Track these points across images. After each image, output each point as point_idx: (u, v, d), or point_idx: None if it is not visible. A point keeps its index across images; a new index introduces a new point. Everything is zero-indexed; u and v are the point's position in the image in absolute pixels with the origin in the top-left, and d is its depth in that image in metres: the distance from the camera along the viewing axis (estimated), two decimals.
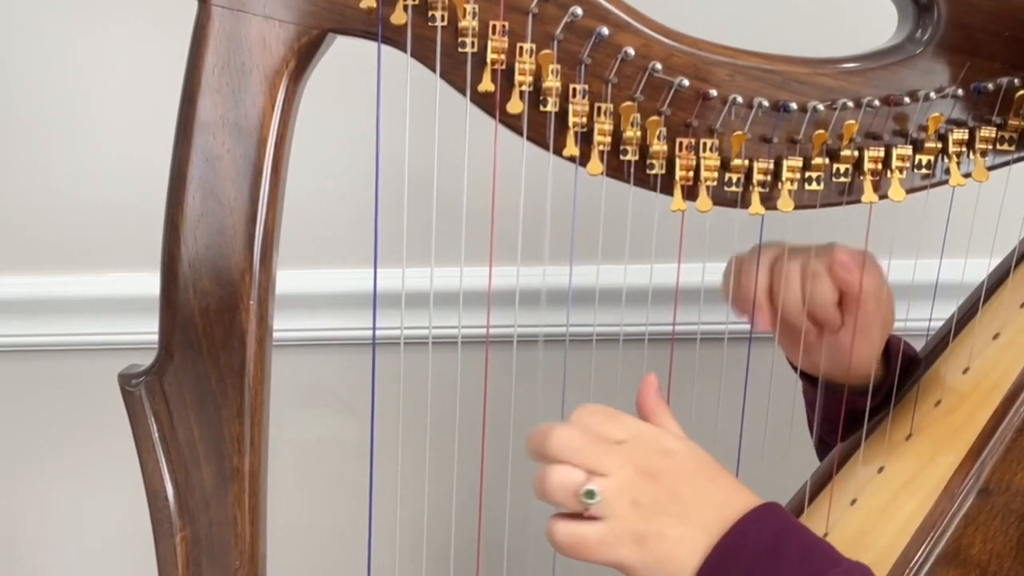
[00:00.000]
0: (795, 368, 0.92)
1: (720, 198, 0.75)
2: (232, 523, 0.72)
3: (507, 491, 0.91)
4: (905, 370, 0.87)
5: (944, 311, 0.92)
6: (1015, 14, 0.76)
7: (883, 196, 0.77)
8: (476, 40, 0.71)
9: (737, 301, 0.86)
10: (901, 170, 0.76)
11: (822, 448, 0.95)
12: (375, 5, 0.69)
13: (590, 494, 0.68)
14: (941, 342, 0.89)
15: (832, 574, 0.67)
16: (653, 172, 0.74)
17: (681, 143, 0.74)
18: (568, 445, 0.69)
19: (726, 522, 0.68)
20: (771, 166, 0.75)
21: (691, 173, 0.75)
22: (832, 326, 0.85)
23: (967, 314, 0.89)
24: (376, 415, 0.81)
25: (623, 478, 0.69)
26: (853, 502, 0.83)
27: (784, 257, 0.84)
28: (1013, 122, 0.78)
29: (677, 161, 0.74)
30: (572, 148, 0.73)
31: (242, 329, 0.70)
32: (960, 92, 0.77)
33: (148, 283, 0.77)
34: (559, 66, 0.72)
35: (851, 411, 0.86)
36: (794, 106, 0.74)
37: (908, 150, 0.76)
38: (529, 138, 0.73)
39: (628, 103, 0.73)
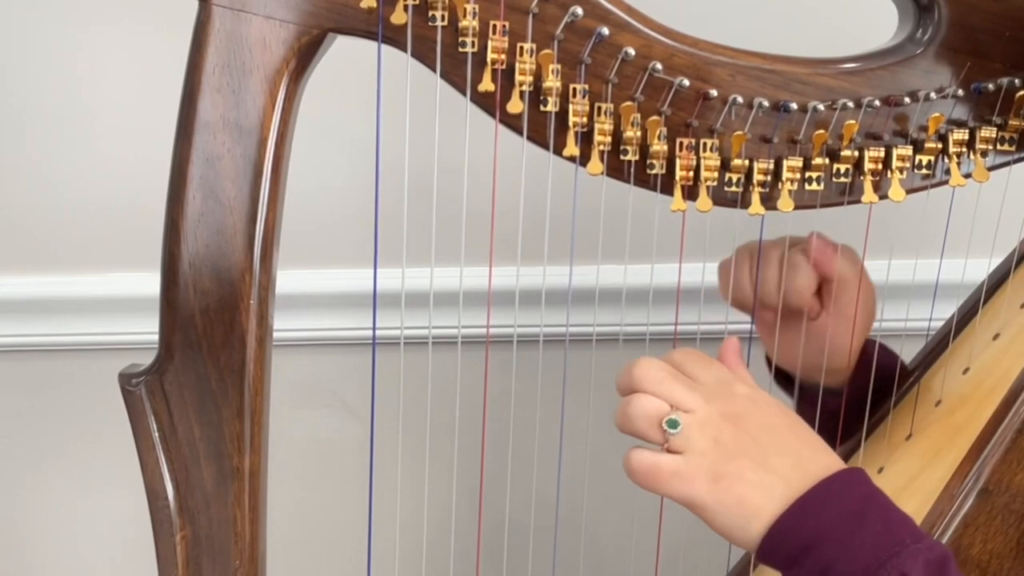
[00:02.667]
0: (770, 366, 0.93)
1: (720, 198, 0.75)
2: (232, 522, 0.72)
3: (507, 491, 0.91)
4: (881, 371, 0.88)
5: (944, 311, 0.92)
6: (1016, 14, 0.76)
7: (883, 196, 0.77)
8: (476, 40, 0.71)
9: (735, 297, 0.87)
10: (901, 170, 0.76)
11: None
12: (375, 5, 0.69)
13: (672, 423, 0.68)
14: (941, 342, 0.89)
15: (912, 548, 0.67)
16: (653, 172, 0.74)
17: (681, 143, 0.74)
18: (653, 377, 0.69)
19: (807, 476, 0.68)
20: (771, 166, 0.75)
21: (691, 173, 0.75)
22: (810, 314, 0.86)
23: (967, 314, 0.89)
24: (376, 415, 0.81)
25: (706, 414, 0.69)
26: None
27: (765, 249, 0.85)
28: (1013, 122, 0.77)
29: (677, 161, 0.74)
30: (572, 148, 0.73)
31: (242, 329, 0.70)
32: (960, 92, 0.77)
33: (148, 283, 0.77)
34: (559, 66, 0.72)
35: (825, 412, 0.86)
36: (794, 106, 0.74)
37: (908, 150, 0.76)
38: (529, 138, 0.73)
39: (628, 103, 0.73)
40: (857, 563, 0.66)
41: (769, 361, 0.94)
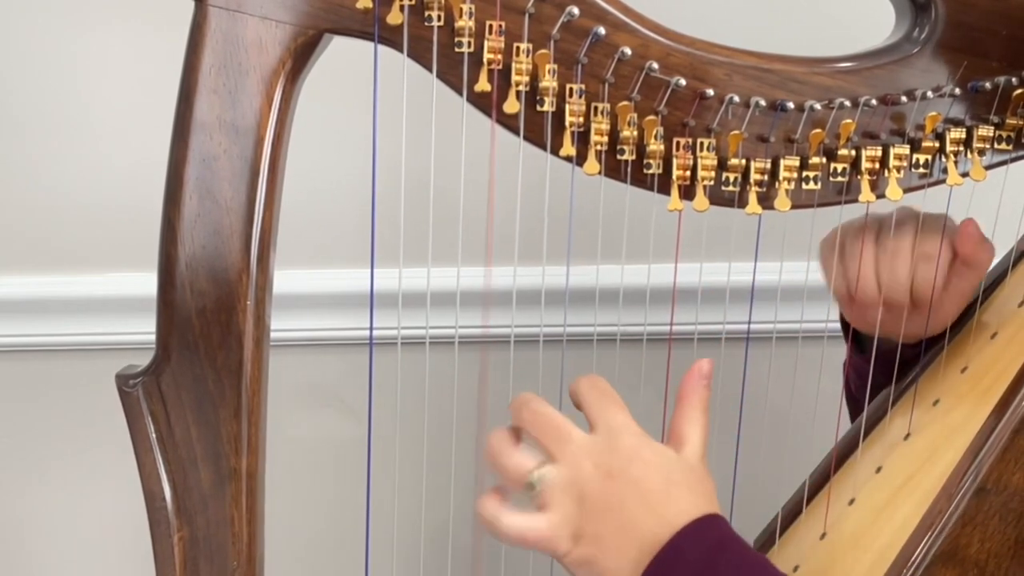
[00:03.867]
0: (846, 331, 0.90)
1: (717, 198, 0.75)
2: (230, 523, 0.72)
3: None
4: None
5: None
6: (1013, 13, 0.76)
7: (880, 195, 0.77)
8: (473, 40, 0.71)
9: (842, 288, 0.84)
10: (898, 169, 0.76)
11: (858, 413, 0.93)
12: (371, 5, 0.69)
13: (531, 485, 0.68)
14: (940, 340, 0.89)
15: None
16: (650, 172, 0.74)
17: (678, 143, 0.74)
18: (535, 422, 0.70)
19: (665, 537, 0.67)
20: (768, 165, 0.75)
21: (688, 173, 0.74)
22: (924, 305, 0.84)
23: (965, 313, 0.89)
24: (373, 415, 0.81)
25: (578, 469, 0.68)
26: (851, 502, 0.83)
27: (886, 233, 0.82)
28: (1011, 121, 0.77)
29: (674, 161, 0.74)
30: (569, 148, 0.73)
31: (239, 329, 0.70)
32: (957, 91, 0.76)
33: (147, 283, 0.77)
34: (556, 66, 0.72)
35: (901, 360, 0.85)
36: (791, 105, 0.74)
37: (905, 149, 0.76)
38: (526, 138, 0.73)
39: (625, 103, 0.73)
40: None
41: (845, 327, 0.91)
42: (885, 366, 0.86)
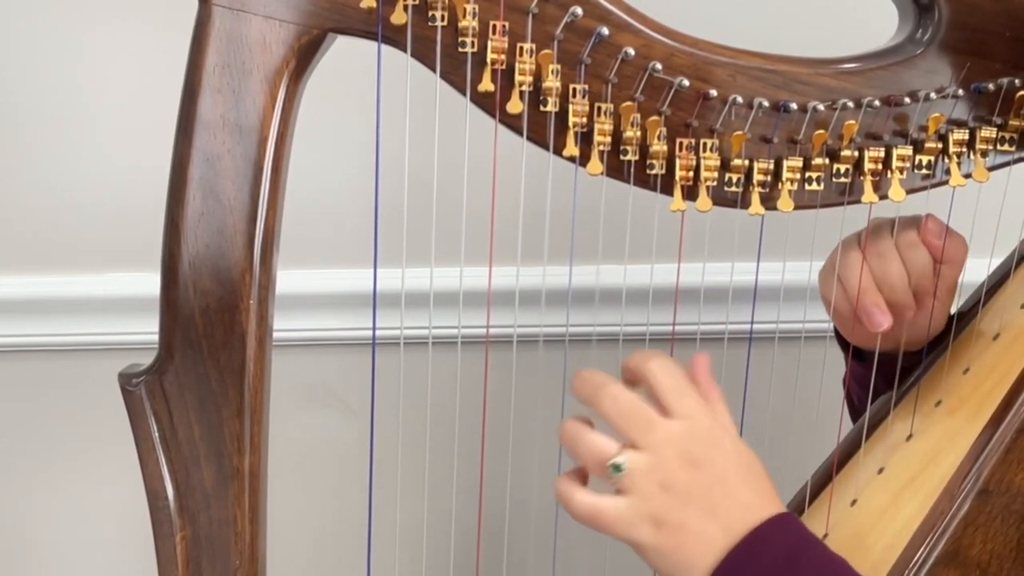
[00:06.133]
0: (846, 350, 0.90)
1: (720, 198, 0.75)
2: (232, 523, 0.72)
3: (507, 491, 0.91)
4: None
5: None
6: (1016, 14, 0.76)
7: (883, 196, 0.77)
8: (476, 40, 0.71)
9: (844, 307, 0.84)
10: (901, 170, 0.76)
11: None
12: (375, 5, 0.69)
13: (616, 468, 0.67)
14: (942, 342, 0.89)
15: None
16: (653, 172, 0.74)
17: (681, 143, 0.74)
18: (615, 409, 0.68)
19: (748, 528, 0.67)
20: (771, 166, 0.75)
21: (691, 173, 0.75)
22: (928, 298, 0.84)
23: (968, 314, 0.89)
24: (376, 415, 0.81)
25: (661, 457, 0.68)
26: (853, 503, 0.83)
27: (870, 241, 0.82)
28: (1014, 122, 0.77)
29: (677, 161, 0.74)
30: (572, 148, 0.73)
31: (242, 329, 0.70)
32: (960, 92, 0.76)
33: (148, 283, 0.77)
34: (559, 66, 0.72)
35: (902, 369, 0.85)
36: (794, 106, 0.74)
37: (908, 150, 0.76)
38: (529, 138, 0.73)
39: (628, 103, 0.73)
40: None
41: (841, 340, 0.91)
42: (887, 375, 0.86)
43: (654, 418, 0.69)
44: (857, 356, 0.91)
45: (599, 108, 0.73)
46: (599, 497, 0.68)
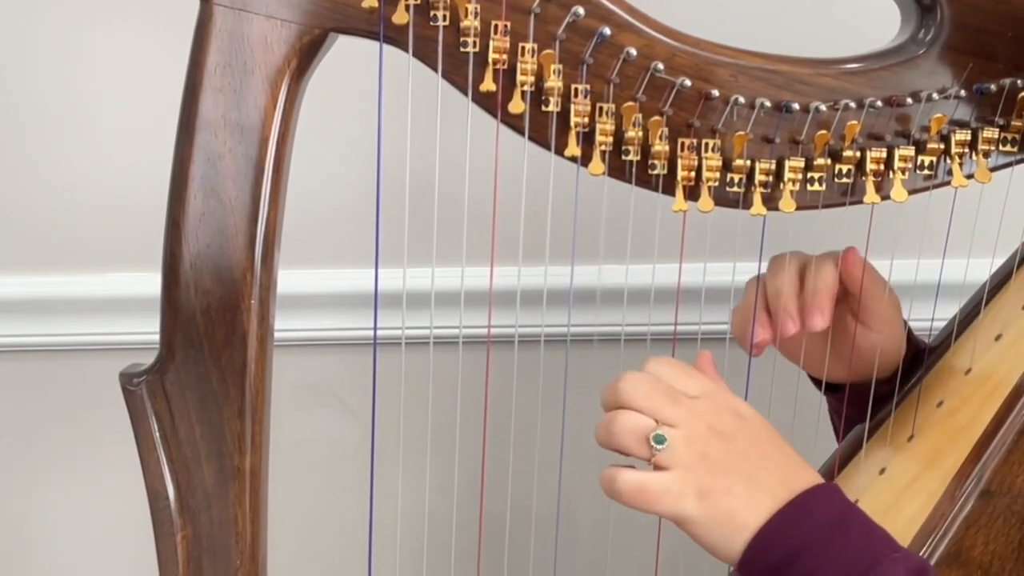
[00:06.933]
0: (817, 385, 0.92)
1: (722, 198, 0.75)
2: (233, 522, 0.72)
3: (508, 491, 0.91)
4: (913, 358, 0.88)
5: (946, 311, 0.92)
6: (1018, 15, 0.76)
7: (885, 197, 0.77)
8: (478, 40, 0.71)
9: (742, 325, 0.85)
10: (903, 171, 0.76)
11: None
12: (377, 5, 0.69)
13: (659, 439, 0.68)
14: (943, 343, 0.89)
15: (892, 557, 0.67)
16: (655, 172, 0.74)
17: (683, 143, 0.74)
18: (640, 392, 0.69)
19: (792, 491, 0.69)
20: (773, 166, 0.75)
21: (693, 173, 0.74)
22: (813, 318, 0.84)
23: (969, 315, 0.89)
24: (377, 415, 0.81)
25: (693, 429, 0.69)
26: (855, 503, 0.83)
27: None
28: (1016, 123, 0.77)
29: (679, 161, 0.74)
30: (574, 148, 0.73)
31: (243, 328, 0.70)
32: (963, 93, 0.76)
33: (148, 283, 0.77)
34: (561, 66, 0.72)
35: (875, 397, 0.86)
36: (796, 106, 0.74)
37: (910, 151, 0.76)
38: (531, 138, 0.73)
39: (630, 103, 0.73)
40: (839, 573, 0.66)
41: (813, 379, 0.92)
42: (861, 406, 0.87)
43: (677, 394, 0.70)
44: (830, 389, 0.92)
45: (601, 108, 0.73)
46: (643, 473, 0.69)
